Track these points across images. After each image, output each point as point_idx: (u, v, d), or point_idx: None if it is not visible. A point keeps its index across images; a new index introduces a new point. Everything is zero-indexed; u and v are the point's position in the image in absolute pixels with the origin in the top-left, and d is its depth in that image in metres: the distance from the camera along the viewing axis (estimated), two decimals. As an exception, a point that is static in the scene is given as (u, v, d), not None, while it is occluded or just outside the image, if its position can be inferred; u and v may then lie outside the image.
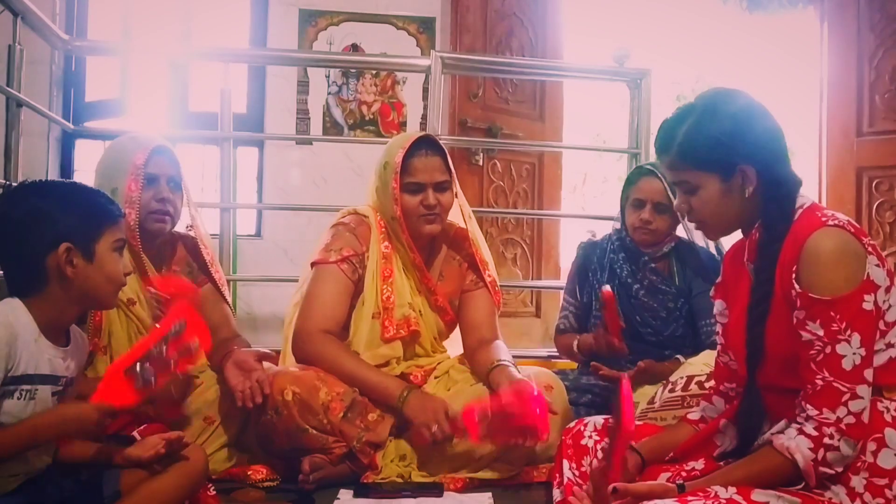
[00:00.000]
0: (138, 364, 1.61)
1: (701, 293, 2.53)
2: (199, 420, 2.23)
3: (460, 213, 2.47)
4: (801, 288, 1.46)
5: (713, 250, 2.72)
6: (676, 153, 1.59)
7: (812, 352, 1.45)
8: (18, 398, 1.54)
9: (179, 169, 2.29)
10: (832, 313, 1.43)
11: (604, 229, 2.98)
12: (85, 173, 4.11)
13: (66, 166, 4.23)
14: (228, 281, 2.75)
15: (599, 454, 1.76)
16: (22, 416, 1.55)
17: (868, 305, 1.43)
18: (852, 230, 1.48)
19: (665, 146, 1.62)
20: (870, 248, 1.48)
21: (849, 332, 1.42)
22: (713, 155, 1.56)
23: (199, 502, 1.80)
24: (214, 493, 1.89)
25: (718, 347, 1.75)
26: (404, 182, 2.31)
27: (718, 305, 1.73)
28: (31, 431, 1.52)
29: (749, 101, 1.60)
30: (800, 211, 1.55)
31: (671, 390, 2.24)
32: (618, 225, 2.71)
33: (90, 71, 4.36)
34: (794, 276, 1.48)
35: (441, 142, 2.42)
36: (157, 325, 1.74)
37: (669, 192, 2.46)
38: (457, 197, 2.43)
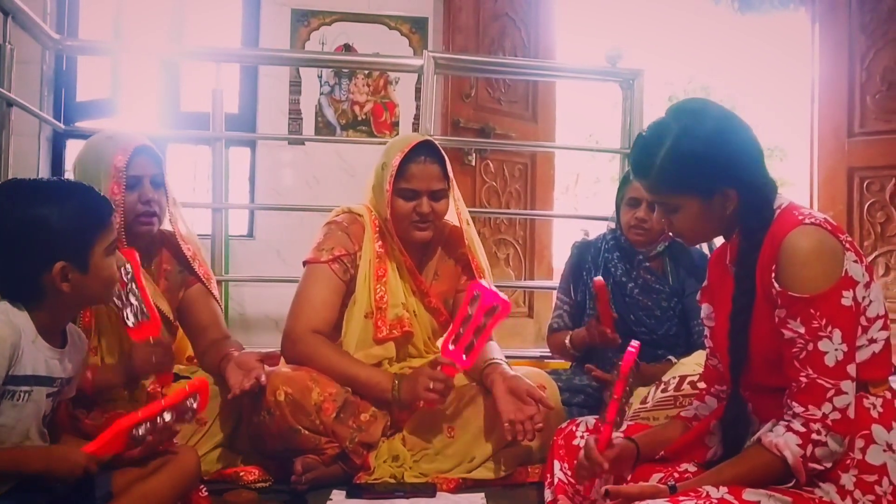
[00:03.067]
0: (141, 426, 1.61)
1: (693, 293, 2.53)
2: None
3: (458, 218, 2.45)
4: (780, 287, 1.47)
5: (706, 250, 2.73)
6: (655, 178, 1.59)
7: (795, 350, 1.46)
8: (16, 399, 1.54)
9: (162, 166, 2.23)
10: (812, 310, 1.44)
11: (596, 229, 2.99)
12: (76, 174, 4.10)
13: (57, 166, 4.22)
14: (220, 282, 2.73)
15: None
16: (17, 418, 1.55)
17: (847, 301, 1.45)
18: (829, 228, 1.49)
19: (643, 170, 1.61)
20: (847, 245, 1.49)
21: (829, 328, 1.43)
22: (692, 181, 1.55)
23: (191, 503, 1.80)
24: (206, 493, 1.89)
25: (707, 350, 1.76)
26: (400, 187, 2.30)
27: (705, 309, 1.74)
28: (15, 462, 1.52)
29: (722, 115, 1.59)
30: (777, 211, 1.56)
31: (664, 390, 2.25)
32: (613, 224, 2.71)
33: (81, 71, 4.35)
34: (773, 275, 1.49)
35: (440, 146, 2.39)
36: (169, 393, 1.75)
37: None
38: (456, 202, 2.41)
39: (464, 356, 2.09)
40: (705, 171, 1.54)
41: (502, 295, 2.10)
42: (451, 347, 2.10)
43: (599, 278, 2.45)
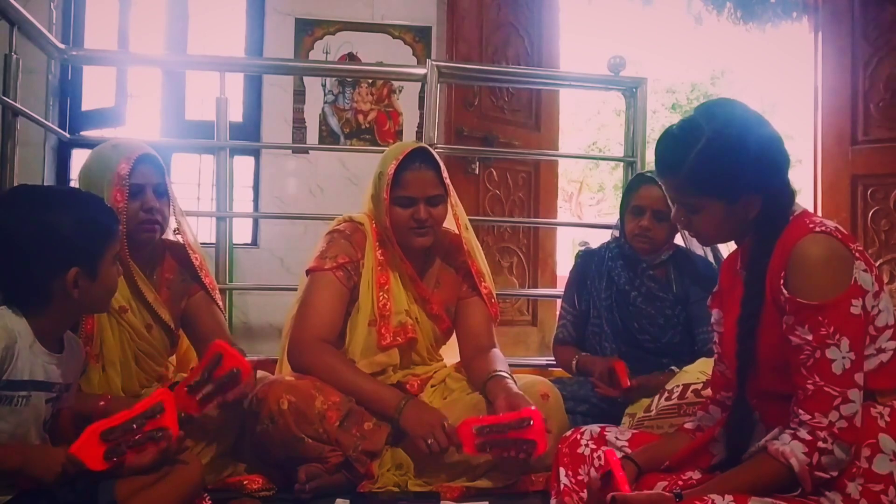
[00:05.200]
0: (113, 433, 1.61)
1: (698, 301, 2.53)
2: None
3: (455, 223, 2.45)
4: (789, 293, 1.48)
5: (711, 258, 2.72)
6: (684, 179, 1.57)
7: (802, 357, 1.46)
8: (15, 404, 1.55)
9: (165, 175, 2.24)
10: (820, 318, 1.44)
11: (599, 237, 2.99)
12: (80, 183, 4.11)
13: (62, 175, 4.23)
14: (224, 290, 2.74)
15: (596, 463, 1.75)
16: (16, 423, 1.56)
17: (856, 310, 1.45)
18: (839, 236, 1.49)
19: (671, 169, 1.60)
20: (857, 254, 1.49)
21: (837, 336, 1.43)
22: (720, 186, 1.55)
23: (194, 512, 1.80)
24: (210, 502, 1.89)
25: (715, 356, 1.76)
26: (396, 195, 2.30)
27: (715, 314, 1.74)
28: None
29: (754, 120, 1.58)
30: (791, 218, 1.56)
31: (667, 398, 2.25)
32: (617, 233, 2.71)
33: (86, 80, 4.37)
34: (782, 281, 1.49)
35: (437, 152, 2.41)
36: (140, 401, 1.72)
37: (669, 201, 2.47)
38: (454, 207, 2.42)
39: (474, 447, 2.06)
40: (735, 178, 1.54)
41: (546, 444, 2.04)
42: (474, 429, 2.05)
43: (621, 362, 2.46)
